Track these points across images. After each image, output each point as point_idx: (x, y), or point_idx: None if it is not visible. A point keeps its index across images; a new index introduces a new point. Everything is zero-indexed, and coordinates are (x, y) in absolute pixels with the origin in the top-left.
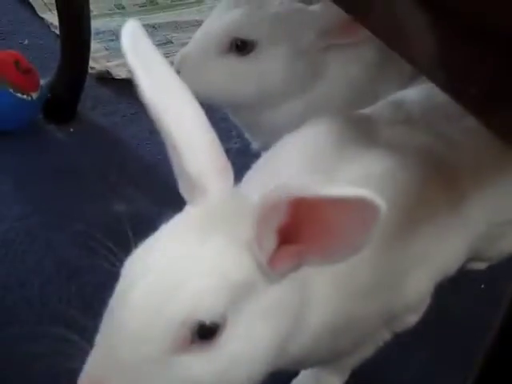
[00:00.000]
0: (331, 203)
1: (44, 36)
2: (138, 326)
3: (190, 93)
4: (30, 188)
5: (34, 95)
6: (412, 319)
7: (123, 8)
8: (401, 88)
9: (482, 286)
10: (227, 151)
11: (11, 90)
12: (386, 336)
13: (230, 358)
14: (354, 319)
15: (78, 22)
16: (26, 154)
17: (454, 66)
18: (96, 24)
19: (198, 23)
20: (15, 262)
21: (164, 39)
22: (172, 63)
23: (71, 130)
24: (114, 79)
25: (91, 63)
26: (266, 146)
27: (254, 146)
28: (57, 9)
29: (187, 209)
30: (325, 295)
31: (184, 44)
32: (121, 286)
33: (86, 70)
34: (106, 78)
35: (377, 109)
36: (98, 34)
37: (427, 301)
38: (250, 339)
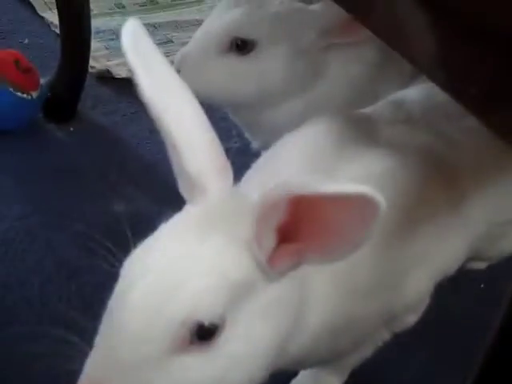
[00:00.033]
0: (331, 200)
1: (44, 35)
2: (137, 327)
3: (190, 92)
4: (30, 187)
5: (34, 94)
6: (411, 319)
7: (123, 7)
8: (401, 88)
9: (482, 285)
10: (227, 150)
11: (11, 89)
12: (385, 336)
13: (229, 358)
14: (354, 319)
15: (78, 21)
16: (25, 153)
17: (455, 65)
18: (96, 23)
19: (199, 22)
20: (15, 261)
21: (164, 38)
22: (172, 62)
23: (71, 129)
24: (114, 78)
25: (91, 62)
26: (265, 146)
27: (254, 145)
28: (57, 8)
29: (187, 208)
30: (324, 294)
31: (184, 43)
32: (120, 287)
33: (86, 69)
34: (106, 77)
35: (377, 108)
36: (98, 33)
37: (427, 301)
38: (250, 339)
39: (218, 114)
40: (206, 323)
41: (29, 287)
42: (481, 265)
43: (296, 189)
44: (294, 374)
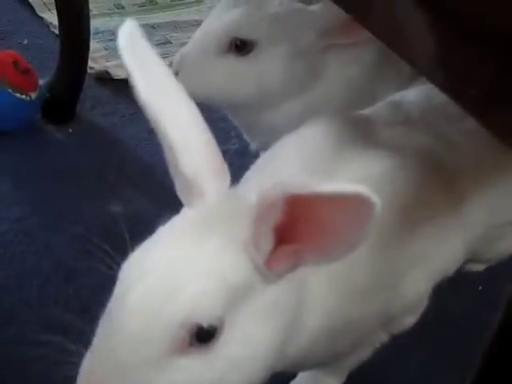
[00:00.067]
0: (327, 200)
1: (43, 36)
2: (136, 328)
3: (186, 93)
4: (29, 188)
5: (33, 95)
6: (409, 320)
7: (122, 8)
8: (400, 89)
9: (480, 287)
10: (226, 152)
11: (10, 90)
12: (383, 337)
13: (228, 360)
14: (352, 320)
15: (77, 22)
16: (24, 154)
17: (454, 66)
18: (95, 24)
19: (198, 23)
20: (14, 262)
21: (163, 39)
22: (171, 63)
23: (70, 130)
24: (112, 79)
25: (90, 63)
26: (264, 147)
27: (253, 146)
28: (56, 8)
29: (184, 211)
30: (322, 296)
31: (183, 44)
32: (119, 289)
33: (85, 70)
34: (105, 78)
35: (376, 109)
36: (97, 33)
37: (425, 302)
38: (248, 342)
39: (216, 115)
40: (205, 325)
41: (27, 289)
42: (479, 266)
43: (293, 188)
44: (293, 375)
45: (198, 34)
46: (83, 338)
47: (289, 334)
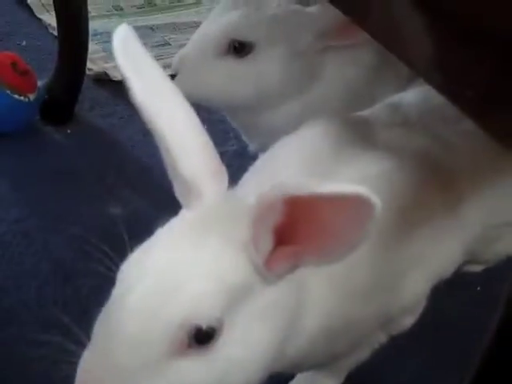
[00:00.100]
0: (327, 201)
1: (42, 37)
2: (135, 330)
3: (182, 96)
4: (27, 190)
5: (32, 97)
6: (408, 321)
7: (121, 9)
8: (398, 90)
9: (478, 288)
10: (224, 153)
11: (8, 92)
12: (381, 338)
13: (227, 362)
14: (351, 321)
15: (75, 24)
16: (23, 155)
17: (451, 68)
18: (94, 25)
19: (196, 25)
20: (12, 264)
21: (162, 41)
22: (170, 65)
23: (68, 131)
24: (111, 81)
25: (89, 64)
26: (263, 148)
27: (251, 147)
28: (55, 10)
29: (182, 212)
30: (321, 297)
31: (182, 45)
32: (118, 290)
33: (84, 72)
34: (103, 80)
35: (374, 111)
36: (95, 35)
37: (423, 303)
38: (247, 343)
39: (215, 117)
40: (204, 326)
41: (26, 290)
42: (477, 267)
43: (292, 189)
44: (291, 376)
45: (197, 35)
46: (82, 338)
47: (287, 334)
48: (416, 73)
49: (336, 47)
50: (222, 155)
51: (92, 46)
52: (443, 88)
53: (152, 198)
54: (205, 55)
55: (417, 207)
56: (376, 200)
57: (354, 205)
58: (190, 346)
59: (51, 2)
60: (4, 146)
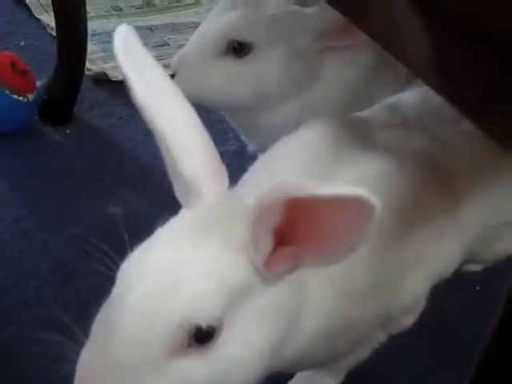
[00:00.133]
0: (326, 203)
1: (40, 37)
2: (135, 329)
3: (183, 95)
4: (27, 190)
5: (31, 97)
6: (408, 321)
7: (120, 10)
8: (397, 91)
9: (478, 287)
10: (223, 153)
11: (7, 92)
12: (381, 338)
13: (227, 361)
14: (350, 322)
15: (74, 24)
16: (22, 155)
17: (450, 68)
18: (93, 25)
19: (195, 25)
20: (11, 263)
21: (161, 41)
22: (169, 65)
23: (67, 131)
24: (110, 81)
25: (88, 65)
26: (262, 148)
27: (251, 147)
28: (53, 10)
29: (182, 212)
30: (321, 297)
31: (181, 46)
32: (118, 289)
33: (83, 72)
34: (102, 80)
35: (373, 112)
36: (94, 35)
37: (423, 302)
38: (246, 343)
39: (214, 117)
40: (204, 326)
41: (25, 289)
42: (476, 267)
43: (291, 191)
44: (291, 376)
45: (196, 36)
46: (81, 338)
47: (287, 334)
48: (414, 73)
49: (335, 48)
50: (222, 155)
51: (91, 47)
52: (442, 88)
53: (152, 198)
54: (204, 55)
55: (416, 208)
56: (375, 202)
57: (353, 206)
58: (189, 345)
59: (50, 2)
60: (3, 146)
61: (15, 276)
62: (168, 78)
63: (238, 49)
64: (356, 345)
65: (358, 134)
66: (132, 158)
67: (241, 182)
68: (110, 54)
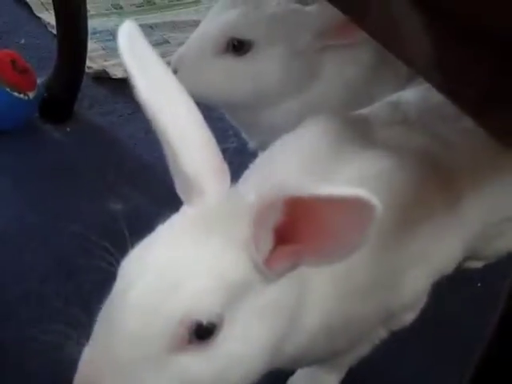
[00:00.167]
0: (327, 203)
1: (41, 35)
2: (136, 325)
3: (186, 93)
4: (27, 187)
5: (31, 94)
6: (409, 317)
7: (120, 8)
8: (397, 89)
9: (479, 284)
10: (224, 151)
11: (8, 90)
12: (382, 334)
13: (227, 357)
14: (351, 319)
15: (75, 22)
16: (22, 153)
17: (450, 67)
18: (93, 23)
19: (196, 23)
20: (12, 260)
21: (161, 39)
22: (169, 63)
23: (68, 129)
24: (110, 79)
25: (88, 63)
26: (262, 146)
27: (251, 145)
28: (54, 8)
29: (184, 209)
30: (322, 295)
31: (181, 44)
32: (118, 286)
33: (83, 70)
34: (102, 78)
35: (373, 110)
36: (95, 33)
37: (424, 299)
38: (247, 339)
39: (214, 114)
40: (204, 322)
41: (26, 286)
42: (477, 264)
43: (292, 190)
44: (292, 372)
45: (196, 34)
46: (83, 334)
47: (287, 331)
48: (415, 71)
49: (335, 46)
50: (223, 152)
51: (91, 45)
52: (442, 86)
53: (152, 195)
54: (204, 53)
55: (417, 205)
56: (376, 202)
57: (354, 207)
58: (190, 341)
59: (50, 0)
60: (3, 144)
61: (16, 273)
62: (172, 76)
63: (238, 47)
64: (357, 341)
65: (358, 132)
66: (133, 155)
67: (242, 179)
68: (110, 52)
